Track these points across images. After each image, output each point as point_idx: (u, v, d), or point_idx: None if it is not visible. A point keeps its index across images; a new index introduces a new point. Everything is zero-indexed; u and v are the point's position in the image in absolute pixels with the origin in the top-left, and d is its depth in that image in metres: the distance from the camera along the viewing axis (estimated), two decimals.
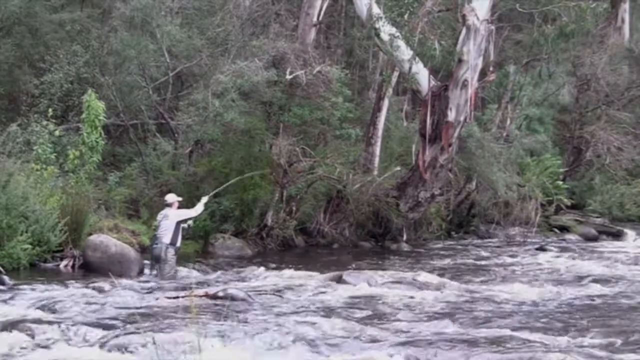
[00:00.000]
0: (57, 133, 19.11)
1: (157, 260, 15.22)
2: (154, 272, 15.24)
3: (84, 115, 18.61)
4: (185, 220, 15.67)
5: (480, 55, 20.87)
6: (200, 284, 14.24)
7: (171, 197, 15.83)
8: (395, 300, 13.04)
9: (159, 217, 15.58)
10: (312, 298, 13.09)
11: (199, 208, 16.11)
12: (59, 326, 10.21)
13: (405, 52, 20.86)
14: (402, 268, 17.24)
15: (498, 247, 22.82)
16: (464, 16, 20.45)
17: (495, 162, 23.69)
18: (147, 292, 13.12)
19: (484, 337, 10.16)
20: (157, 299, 12.52)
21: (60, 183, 17.60)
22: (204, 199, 16.45)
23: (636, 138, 30.77)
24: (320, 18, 25.35)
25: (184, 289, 13.32)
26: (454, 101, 20.74)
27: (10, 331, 9.91)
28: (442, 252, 21.15)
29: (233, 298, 12.37)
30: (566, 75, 30.98)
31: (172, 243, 15.16)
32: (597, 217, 28.41)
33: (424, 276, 15.62)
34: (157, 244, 15.25)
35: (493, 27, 21.40)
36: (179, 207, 15.68)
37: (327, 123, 21.93)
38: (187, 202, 16.57)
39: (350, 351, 9.44)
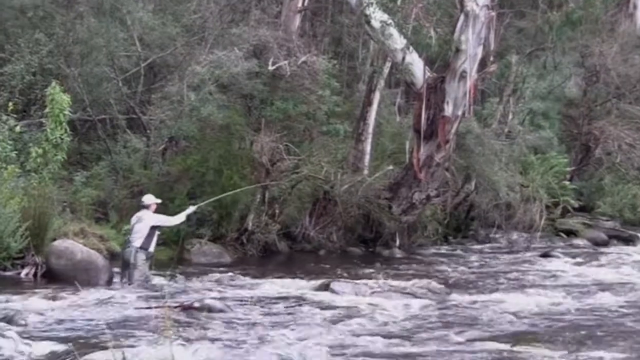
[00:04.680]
0: (17, 129, 19.02)
1: (126, 265, 15.21)
2: (124, 280, 15.22)
3: (47, 110, 18.51)
4: (160, 227, 15.63)
5: (480, 44, 20.94)
6: (175, 293, 14.21)
7: (148, 199, 15.78)
8: (387, 310, 13.07)
9: (133, 219, 15.56)
10: (297, 308, 13.10)
11: (180, 217, 15.95)
12: (18, 341, 10.18)
13: (398, 41, 20.92)
14: (394, 276, 17.26)
15: (499, 252, 22.88)
16: (462, 2, 20.52)
17: (496, 161, 23.79)
18: (117, 303, 13.09)
19: (482, 351, 10.19)
20: (127, 310, 12.50)
21: (21, 184, 17.52)
22: (191, 209, 16.24)
23: None
24: (306, 3, 25.37)
25: (156, 299, 13.30)
26: (451, 94, 20.81)
27: None
28: (438, 259, 21.20)
29: (210, 309, 12.37)
30: (573, 66, 31.11)
31: (143, 247, 15.14)
32: (607, 220, 28.52)
33: (418, 285, 15.68)
34: (127, 247, 15.29)
35: (494, 14, 21.46)
36: (156, 211, 15.64)
37: (313, 118, 22.00)
38: (160, 205, 16.48)
39: None
